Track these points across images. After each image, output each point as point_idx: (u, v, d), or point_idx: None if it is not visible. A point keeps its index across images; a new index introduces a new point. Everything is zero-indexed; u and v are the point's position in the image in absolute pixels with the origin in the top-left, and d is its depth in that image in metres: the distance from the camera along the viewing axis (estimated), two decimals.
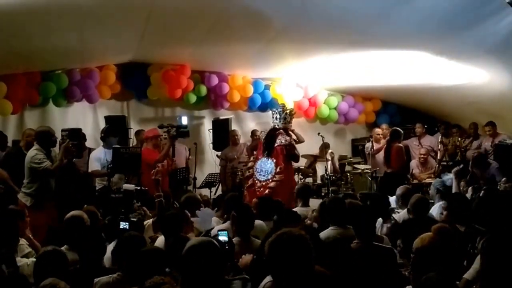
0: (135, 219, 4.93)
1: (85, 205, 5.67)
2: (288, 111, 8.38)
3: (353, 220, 4.54)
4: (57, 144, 6.82)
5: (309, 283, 2.78)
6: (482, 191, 5.95)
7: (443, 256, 3.42)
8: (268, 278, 2.95)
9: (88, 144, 8.49)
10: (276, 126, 8.29)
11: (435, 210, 5.88)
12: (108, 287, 3.77)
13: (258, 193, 7.82)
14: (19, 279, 3.26)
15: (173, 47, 8.56)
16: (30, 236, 5.14)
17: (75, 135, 6.67)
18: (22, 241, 4.92)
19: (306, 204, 6.47)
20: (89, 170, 7.65)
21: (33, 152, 6.42)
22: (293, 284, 2.76)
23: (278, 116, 8.33)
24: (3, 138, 8.30)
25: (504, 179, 7.07)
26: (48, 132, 6.59)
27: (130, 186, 5.98)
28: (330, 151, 9.77)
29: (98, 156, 7.47)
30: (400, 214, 5.78)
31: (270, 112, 8.72)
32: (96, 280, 3.87)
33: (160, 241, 4.89)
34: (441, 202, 6.03)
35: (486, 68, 8.20)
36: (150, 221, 5.68)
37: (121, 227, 4.97)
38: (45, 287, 3.17)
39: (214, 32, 7.59)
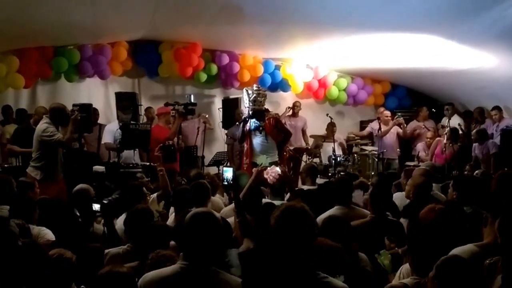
0: (106, 201, 4.76)
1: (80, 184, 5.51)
2: (261, 92, 7.77)
3: (370, 195, 4.75)
4: None
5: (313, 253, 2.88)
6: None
7: (441, 234, 3.53)
8: None
9: (99, 120, 8.62)
10: (247, 106, 7.74)
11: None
12: (118, 258, 3.86)
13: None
14: (35, 249, 3.33)
15: (184, 25, 8.59)
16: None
17: (86, 110, 6.71)
18: None
19: (314, 182, 6.61)
20: (102, 142, 7.87)
21: (44, 126, 6.40)
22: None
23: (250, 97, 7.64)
24: (22, 112, 8.52)
25: None
26: (62, 110, 6.58)
27: (100, 168, 5.91)
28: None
29: (112, 129, 7.68)
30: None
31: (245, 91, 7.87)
32: (106, 251, 3.99)
33: (172, 218, 5.02)
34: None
35: (495, 53, 8.21)
36: (154, 195, 5.81)
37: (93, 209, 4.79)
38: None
39: (226, 11, 7.63)
